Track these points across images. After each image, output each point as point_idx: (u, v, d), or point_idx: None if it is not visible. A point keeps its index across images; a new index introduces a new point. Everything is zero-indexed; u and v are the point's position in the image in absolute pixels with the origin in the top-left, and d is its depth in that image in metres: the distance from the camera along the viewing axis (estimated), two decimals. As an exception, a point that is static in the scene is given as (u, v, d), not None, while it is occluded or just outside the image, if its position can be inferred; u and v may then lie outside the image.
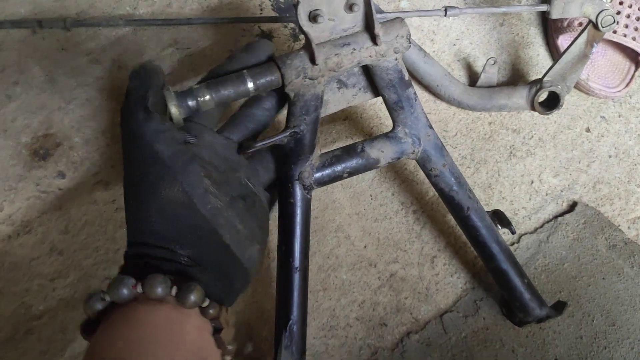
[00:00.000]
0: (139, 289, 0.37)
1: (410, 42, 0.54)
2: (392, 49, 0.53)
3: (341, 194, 0.73)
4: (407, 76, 0.57)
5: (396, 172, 0.74)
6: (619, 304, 0.69)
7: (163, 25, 0.72)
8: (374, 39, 0.52)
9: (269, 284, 0.68)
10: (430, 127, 0.61)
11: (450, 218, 0.72)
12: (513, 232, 0.66)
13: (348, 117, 0.76)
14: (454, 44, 0.81)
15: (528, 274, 0.69)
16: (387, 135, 0.60)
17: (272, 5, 0.77)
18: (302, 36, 0.49)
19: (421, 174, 0.74)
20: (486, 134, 0.77)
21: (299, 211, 0.57)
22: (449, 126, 0.77)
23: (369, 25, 0.52)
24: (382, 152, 0.59)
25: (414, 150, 0.60)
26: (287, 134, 0.54)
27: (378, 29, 0.51)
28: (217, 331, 0.41)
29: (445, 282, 0.72)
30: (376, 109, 0.76)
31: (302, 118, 0.54)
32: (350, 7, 0.49)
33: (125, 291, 0.37)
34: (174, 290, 0.38)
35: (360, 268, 0.71)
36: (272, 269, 0.68)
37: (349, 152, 0.59)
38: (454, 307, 0.70)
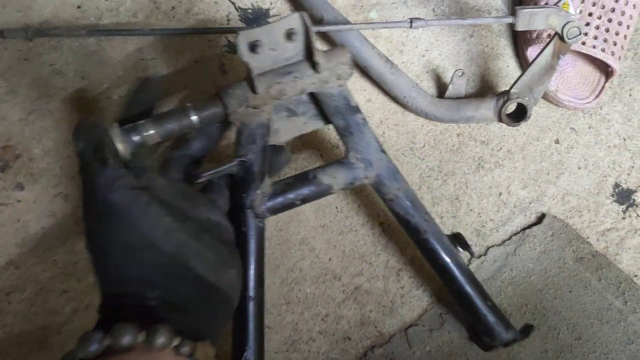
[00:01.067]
0: (106, 342, 0.37)
1: (352, 69, 0.55)
2: (335, 76, 0.54)
3: (306, 207, 0.72)
4: (353, 102, 0.57)
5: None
6: (585, 317, 0.68)
7: (128, 36, 0.72)
8: (314, 66, 0.52)
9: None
10: (383, 151, 0.61)
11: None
12: (472, 255, 0.66)
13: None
14: (423, 55, 0.80)
15: (494, 287, 0.68)
16: (340, 162, 0.60)
17: (239, 16, 0.77)
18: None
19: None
20: (454, 146, 0.77)
21: (252, 240, 0.57)
22: (417, 138, 0.77)
23: (309, 54, 0.52)
24: (335, 179, 0.59)
25: (366, 175, 0.60)
26: (235, 163, 0.55)
27: (318, 57, 0.51)
28: None
29: (410, 295, 0.71)
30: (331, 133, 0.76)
31: (249, 147, 0.55)
32: (289, 37, 0.50)
33: (94, 346, 0.37)
34: (141, 337, 0.37)
35: (324, 281, 0.70)
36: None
37: (301, 179, 0.59)
38: (419, 320, 0.69)
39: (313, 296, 0.69)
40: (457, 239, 0.65)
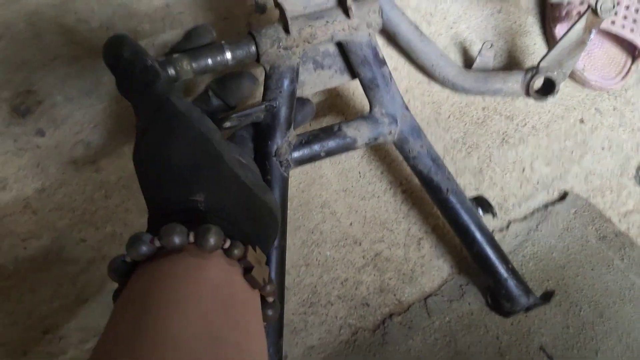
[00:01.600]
0: (157, 243, 0.35)
1: (381, 18, 0.54)
2: (365, 23, 0.53)
3: (329, 170, 0.71)
4: (381, 54, 0.57)
5: (386, 150, 0.72)
6: (608, 295, 0.67)
7: (155, -12, 0.70)
8: (346, 12, 0.52)
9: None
10: (407, 108, 0.60)
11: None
12: (495, 216, 0.65)
13: (332, 110, 0.75)
14: (451, 27, 0.79)
15: (515, 262, 0.67)
16: (364, 117, 0.59)
17: (268, -24, 0.75)
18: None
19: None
20: (479, 119, 0.76)
21: (276, 189, 0.56)
22: (442, 109, 0.76)
23: (341, 0, 0.52)
24: (359, 132, 0.58)
25: (390, 131, 0.59)
26: (263, 107, 0.53)
27: (350, 3, 0.52)
28: (247, 271, 0.38)
29: (431, 264, 0.70)
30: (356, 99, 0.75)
31: (277, 91, 0.54)
32: None
33: (143, 248, 0.35)
34: (191, 237, 0.35)
35: (344, 245, 0.69)
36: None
37: (326, 131, 0.58)
38: (439, 290, 0.68)
39: (333, 260, 0.68)
40: (480, 202, 0.64)
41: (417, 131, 0.61)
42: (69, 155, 0.64)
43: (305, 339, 0.64)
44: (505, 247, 0.71)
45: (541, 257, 0.70)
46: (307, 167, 0.70)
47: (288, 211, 0.63)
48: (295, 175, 0.70)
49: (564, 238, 0.71)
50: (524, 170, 0.76)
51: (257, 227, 0.41)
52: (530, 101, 0.78)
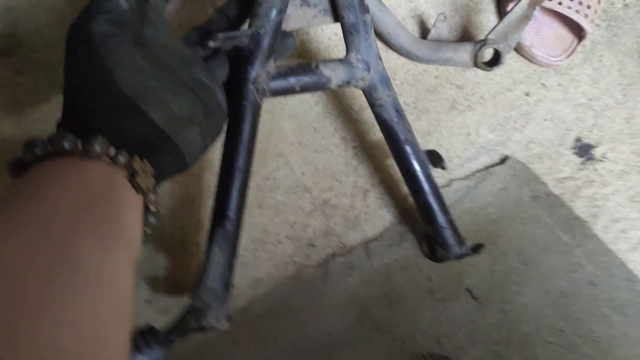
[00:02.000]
0: (48, 147, 0.40)
1: None
2: None
3: (287, 123, 0.77)
4: (366, 1, 0.61)
5: (341, 109, 0.79)
6: (534, 246, 0.74)
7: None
8: None
9: (206, 195, 0.72)
10: (380, 58, 0.64)
11: (386, 159, 0.77)
12: (444, 169, 0.71)
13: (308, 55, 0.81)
14: (410, 1, 0.86)
15: (454, 215, 0.74)
16: (341, 60, 0.64)
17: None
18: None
19: (365, 115, 0.79)
20: (431, 86, 0.82)
21: (248, 114, 0.59)
22: (397, 75, 0.82)
23: None
24: (335, 73, 0.62)
25: (363, 77, 0.63)
26: (250, 32, 0.57)
27: None
28: (132, 177, 0.43)
29: (374, 214, 0.76)
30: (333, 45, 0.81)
31: (265, 19, 0.57)
32: None
33: (36, 150, 0.39)
34: (79, 143, 0.40)
35: (296, 192, 0.75)
36: (209, 180, 0.72)
37: (304, 67, 0.62)
38: (380, 236, 0.75)
39: (284, 204, 0.74)
40: (432, 155, 0.70)
41: (386, 81, 0.63)
42: (45, 97, 0.70)
43: (253, 272, 0.71)
44: (446, 202, 0.77)
45: (477, 212, 0.76)
46: (267, 119, 0.76)
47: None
48: (255, 126, 0.76)
49: (500, 196, 0.77)
50: (469, 134, 0.82)
51: (154, 158, 0.46)
52: (480, 73, 0.85)
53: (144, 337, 0.51)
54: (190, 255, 0.69)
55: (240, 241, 0.61)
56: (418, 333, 0.67)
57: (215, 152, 0.69)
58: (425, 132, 0.81)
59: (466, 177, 0.80)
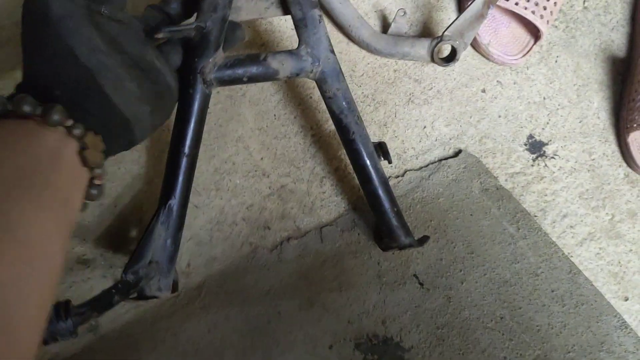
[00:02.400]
0: (9, 107, 0.42)
1: None
2: None
3: (247, 109, 0.79)
4: None
5: (301, 98, 0.81)
6: (481, 237, 0.77)
7: None
8: None
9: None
10: (332, 52, 0.66)
11: (342, 148, 0.79)
12: (390, 162, 0.73)
13: (265, 44, 0.83)
14: (374, -3, 0.88)
15: (405, 204, 0.76)
16: (290, 51, 0.65)
17: None
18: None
19: (324, 104, 0.82)
20: (390, 79, 0.85)
21: (196, 102, 0.62)
22: (357, 67, 0.85)
23: None
24: (283, 66, 0.64)
25: (312, 70, 0.65)
26: (193, 26, 0.60)
27: None
28: (82, 150, 0.46)
29: (330, 200, 0.79)
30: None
31: (209, 15, 0.61)
32: None
33: None
34: (39, 109, 0.43)
35: (254, 176, 0.77)
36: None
37: (252, 58, 0.64)
38: (334, 222, 0.77)
39: (241, 187, 0.77)
40: (381, 147, 0.72)
41: (337, 74, 0.64)
42: (13, 74, 0.72)
43: (209, 251, 0.73)
44: (399, 191, 0.80)
45: (428, 202, 0.79)
46: (227, 105, 0.79)
47: (204, 142, 0.71)
48: (215, 112, 0.78)
49: (451, 187, 0.80)
50: (425, 127, 0.85)
51: (107, 132, 0.48)
52: (438, 68, 0.88)
53: (57, 309, 0.53)
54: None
55: (184, 220, 0.63)
56: (364, 314, 0.70)
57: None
58: (382, 124, 0.84)
59: (420, 169, 0.83)
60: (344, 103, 0.68)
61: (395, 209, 0.72)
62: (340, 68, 0.67)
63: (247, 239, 0.74)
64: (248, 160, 0.77)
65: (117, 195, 0.72)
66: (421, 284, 0.73)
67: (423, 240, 0.72)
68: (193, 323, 0.68)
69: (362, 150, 0.70)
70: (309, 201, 0.78)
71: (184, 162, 0.62)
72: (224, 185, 0.76)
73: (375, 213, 0.72)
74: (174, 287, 0.66)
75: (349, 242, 0.75)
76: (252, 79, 0.64)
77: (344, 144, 0.72)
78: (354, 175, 0.78)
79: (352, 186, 0.79)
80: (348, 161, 0.78)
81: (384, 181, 0.72)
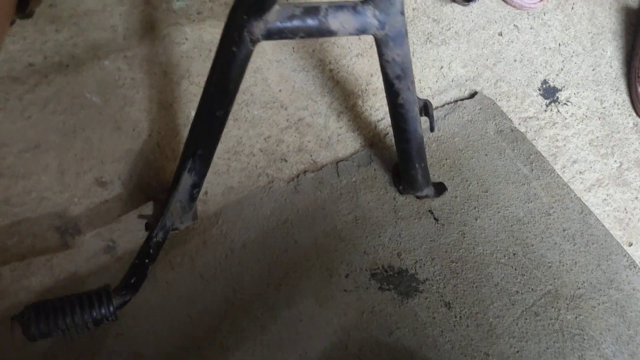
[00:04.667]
0: None
1: None
2: None
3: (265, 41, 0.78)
4: None
5: (320, 31, 0.80)
6: (495, 176, 0.77)
7: None
8: None
9: (183, 102, 0.73)
10: (402, 13, 0.55)
11: (362, 84, 0.79)
12: (432, 129, 0.69)
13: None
14: None
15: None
16: (355, 8, 0.53)
17: None
18: None
19: (343, 39, 0.81)
20: (408, 17, 0.84)
21: (238, 61, 0.54)
22: (377, 4, 0.84)
23: None
24: (343, 27, 0.53)
25: (376, 33, 0.55)
26: None
27: None
28: None
29: (347, 135, 0.78)
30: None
31: None
32: None
33: None
34: None
35: (272, 108, 0.77)
36: (187, 88, 0.73)
37: (310, 14, 0.52)
38: (351, 157, 0.77)
39: (260, 118, 0.76)
40: (426, 108, 0.69)
41: (400, 39, 0.56)
42: None
43: (226, 180, 0.73)
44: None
45: (443, 141, 0.79)
46: (246, 35, 0.77)
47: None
48: (234, 40, 0.77)
49: (467, 128, 0.80)
50: (442, 68, 0.85)
51: None
52: (457, 9, 0.87)
53: (99, 295, 0.54)
54: (165, 157, 0.71)
55: (210, 165, 0.62)
56: (380, 246, 0.71)
57: (194, 62, 0.71)
58: (401, 62, 0.83)
59: (436, 108, 0.83)
60: (399, 69, 0.61)
61: (423, 165, 0.71)
62: (406, 31, 0.57)
63: (265, 170, 0.74)
64: (266, 92, 0.77)
65: (136, 119, 0.71)
66: (436, 219, 0.73)
67: (441, 190, 0.73)
68: (210, 249, 0.68)
69: (408, 116, 0.66)
70: (326, 135, 0.78)
71: (216, 121, 0.58)
72: (242, 116, 0.75)
73: (402, 165, 0.72)
74: (194, 217, 0.66)
75: (365, 177, 0.75)
76: (307, 36, 0.54)
77: (389, 104, 0.67)
78: (371, 111, 0.77)
79: (370, 122, 0.79)
80: (365, 98, 0.78)
81: (420, 142, 0.69)
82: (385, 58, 0.58)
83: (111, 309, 0.54)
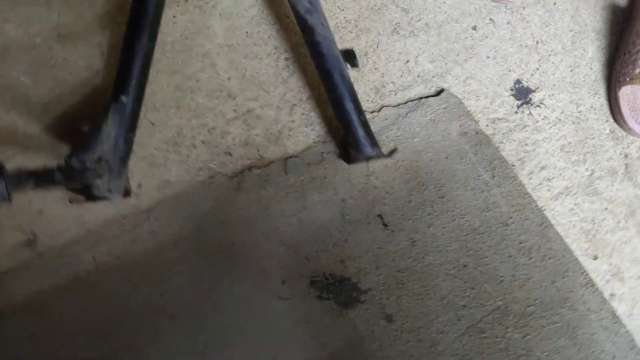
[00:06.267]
0: None
1: None
2: None
3: (217, 23, 0.73)
4: None
5: (278, 16, 0.75)
6: (454, 181, 0.73)
7: None
8: None
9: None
10: None
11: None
12: (354, 66, 0.70)
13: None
14: None
15: (378, 141, 0.71)
16: None
17: None
18: None
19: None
20: (376, 5, 0.79)
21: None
22: (342, -11, 0.78)
23: None
24: None
25: None
26: None
27: None
28: None
29: (299, 130, 0.74)
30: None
31: None
32: None
33: None
34: None
35: (218, 97, 0.72)
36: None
37: None
38: (301, 154, 0.72)
39: (205, 107, 0.71)
40: (348, 54, 0.69)
41: None
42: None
43: (162, 173, 0.68)
44: (373, 127, 0.75)
45: (403, 140, 0.74)
46: (196, 16, 0.72)
47: (167, 54, 0.65)
48: (182, 22, 0.72)
49: (428, 128, 0.75)
50: (407, 62, 0.79)
51: None
52: (429, -1, 0.81)
53: None
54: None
55: (138, 119, 0.61)
56: (323, 252, 0.67)
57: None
58: (363, 53, 0.78)
59: (398, 105, 0.78)
60: (308, 2, 0.65)
61: (362, 118, 0.68)
62: None
63: (206, 164, 0.70)
64: (214, 79, 0.72)
65: (75, 83, 0.66)
66: (385, 225, 0.69)
67: (392, 152, 0.69)
68: (139, 248, 0.64)
69: (328, 53, 0.67)
70: (276, 129, 0.73)
71: (138, 56, 0.59)
72: (185, 104, 0.70)
73: (341, 121, 0.69)
74: (126, 192, 0.63)
75: (315, 176, 0.70)
76: None
77: (309, 48, 0.68)
78: (327, 105, 0.73)
79: (325, 117, 0.74)
80: (322, 90, 0.73)
81: (350, 88, 0.68)
82: None
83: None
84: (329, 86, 0.66)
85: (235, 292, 0.62)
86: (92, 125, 0.55)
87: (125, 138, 0.58)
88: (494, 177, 0.74)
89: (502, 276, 0.68)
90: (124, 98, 0.56)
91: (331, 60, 0.65)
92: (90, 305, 0.60)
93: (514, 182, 0.74)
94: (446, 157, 0.74)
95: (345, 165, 0.71)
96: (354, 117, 0.66)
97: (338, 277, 0.65)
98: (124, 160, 0.58)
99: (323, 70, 0.66)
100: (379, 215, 0.69)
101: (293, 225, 0.67)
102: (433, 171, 0.73)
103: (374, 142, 0.66)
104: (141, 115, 0.67)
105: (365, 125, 0.66)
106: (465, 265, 0.68)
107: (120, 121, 0.57)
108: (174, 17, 0.71)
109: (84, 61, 0.68)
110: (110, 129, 0.56)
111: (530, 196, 0.74)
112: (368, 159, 0.66)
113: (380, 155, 0.66)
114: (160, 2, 0.57)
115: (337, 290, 0.65)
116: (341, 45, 0.77)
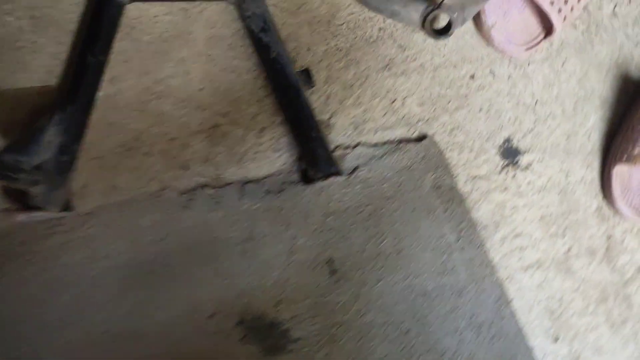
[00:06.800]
0: None
1: None
2: None
3: (200, 30, 0.69)
4: None
5: (264, 32, 0.70)
6: (416, 237, 0.69)
7: None
8: None
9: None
10: None
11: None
12: (312, 86, 0.70)
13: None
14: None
15: (346, 180, 0.68)
16: None
17: None
18: None
19: (288, 46, 0.72)
20: (371, 38, 0.75)
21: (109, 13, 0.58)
22: (339, 14, 0.74)
23: None
24: None
25: None
26: None
27: None
28: None
29: (265, 154, 0.70)
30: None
31: None
32: None
33: None
34: None
35: (187, 107, 0.68)
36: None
37: None
38: (262, 180, 0.69)
39: (169, 115, 0.68)
40: (304, 73, 0.69)
41: None
42: None
43: (111, 177, 0.65)
44: (344, 164, 0.71)
45: (371, 184, 0.71)
46: (179, 18, 0.68)
47: (140, 54, 0.62)
48: (163, 23, 0.68)
49: (401, 174, 0.72)
50: (394, 101, 0.75)
51: None
52: (429, 40, 0.77)
53: None
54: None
55: (84, 132, 0.59)
56: (260, 290, 0.63)
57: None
58: (348, 85, 0.74)
59: (374, 145, 0.74)
60: (262, 21, 0.65)
61: (319, 135, 0.68)
62: None
63: (159, 174, 0.67)
64: (185, 88, 0.68)
65: (38, 70, 0.63)
66: (332, 272, 0.65)
67: (354, 169, 0.70)
68: (69, 253, 0.61)
69: (284, 70, 0.67)
70: (240, 150, 0.69)
71: (90, 66, 0.57)
72: (149, 108, 0.67)
73: (297, 141, 0.68)
74: (66, 206, 0.61)
75: (270, 207, 0.67)
76: None
77: (265, 66, 0.68)
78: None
79: (294, 145, 0.71)
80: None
81: (307, 106, 0.68)
82: (247, 14, 0.64)
83: None
84: (284, 103, 0.66)
85: (156, 320, 0.59)
86: (33, 131, 0.52)
87: (69, 149, 0.56)
88: (459, 239, 0.70)
89: (444, 349, 0.64)
90: (71, 109, 0.53)
91: (289, 77, 0.66)
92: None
93: (478, 249, 0.70)
94: (413, 210, 0.70)
95: (306, 200, 0.68)
96: (311, 134, 0.66)
97: (268, 320, 0.62)
98: (65, 171, 0.56)
99: (280, 87, 0.66)
100: (329, 261, 0.66)
101: (235, 255, 0.64)
102: (396, 222, 0.69)
103: (330, 160, 0.67)
104: (100, 113, 0.64)
105: (321, 140, 0.67)
106: (407, 331, 0.64)
107: (64, 131, 0.53)
108: (156, 16, 0.67)
109: (53, 48, 0.65)
110: (51, 138, 0.53)
111: (493, 267, 0.70)
112: (325, 176, 0.66)
113: (339, 173, 0.67)
114: (114, 20, 0.55)
115: (264, 334, 0.61)
116: (327, 73, 0.73)
